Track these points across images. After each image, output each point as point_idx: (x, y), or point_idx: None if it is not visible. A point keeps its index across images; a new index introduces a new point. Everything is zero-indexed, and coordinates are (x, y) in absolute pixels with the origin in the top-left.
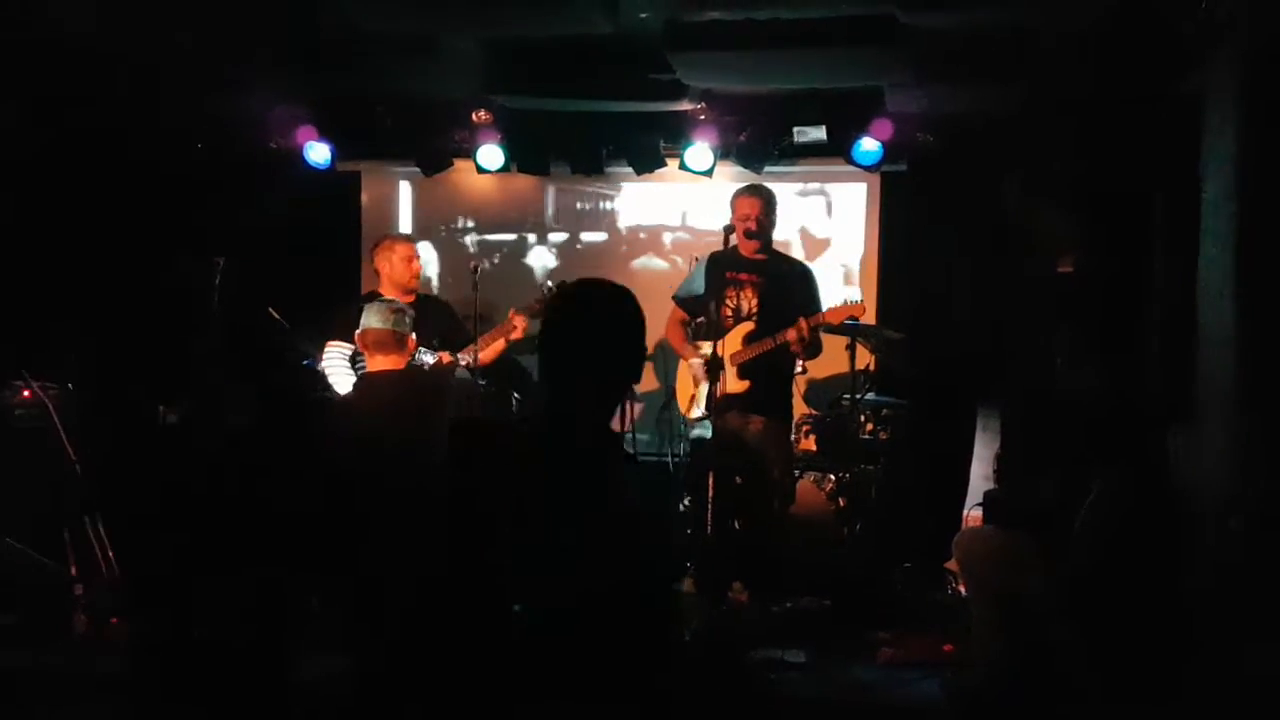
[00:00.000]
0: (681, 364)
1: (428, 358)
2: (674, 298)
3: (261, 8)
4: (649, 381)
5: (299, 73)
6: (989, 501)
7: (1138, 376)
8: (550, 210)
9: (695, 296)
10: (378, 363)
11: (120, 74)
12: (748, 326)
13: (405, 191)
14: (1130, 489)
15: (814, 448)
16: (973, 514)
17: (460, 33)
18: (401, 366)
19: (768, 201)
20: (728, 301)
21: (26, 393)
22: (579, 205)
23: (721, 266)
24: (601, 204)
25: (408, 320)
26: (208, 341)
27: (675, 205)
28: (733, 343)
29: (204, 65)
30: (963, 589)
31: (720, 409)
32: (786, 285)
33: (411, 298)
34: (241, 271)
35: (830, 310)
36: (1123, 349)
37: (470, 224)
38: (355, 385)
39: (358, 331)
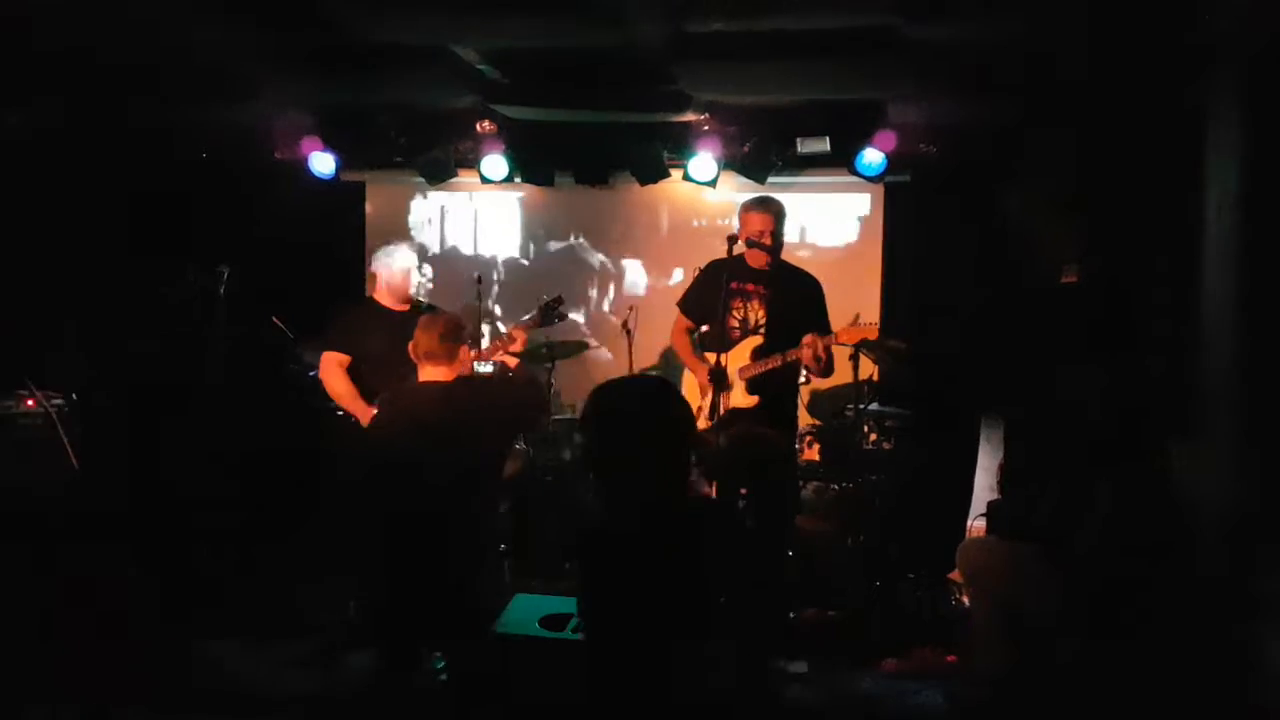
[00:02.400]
0: (687, 374)
1: (485, 368)
2: (678, 305)
3: (267, 18)
4: None
5: (304, 83)
6: (992, 512)
7: (1141, 387)
8: (556, 218)
9: (700, 305)
10: (426, 373)
11: (125, 83)
12: (756, 340)
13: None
14: (1133, 499)
15: (818, 458)
16: (976, 524)
17: (465, 44)
18: (450, 379)
19: (778, 216)
20: (734, 313)
21: (30, 402)
22: (582, 213)
23: (727, 276)
24: (606, 210)
25: (463, 333)
26: (212, 351)
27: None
28: (740, 356)
29: (209, 75)
30: (966, 600)
31: (726, 421)
32: (795, 299)
33: (406, 306)
34: (246, 281)
35: (843, 330)
36: (1126, 359)
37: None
38: (398, 394)
39: (410, 342)
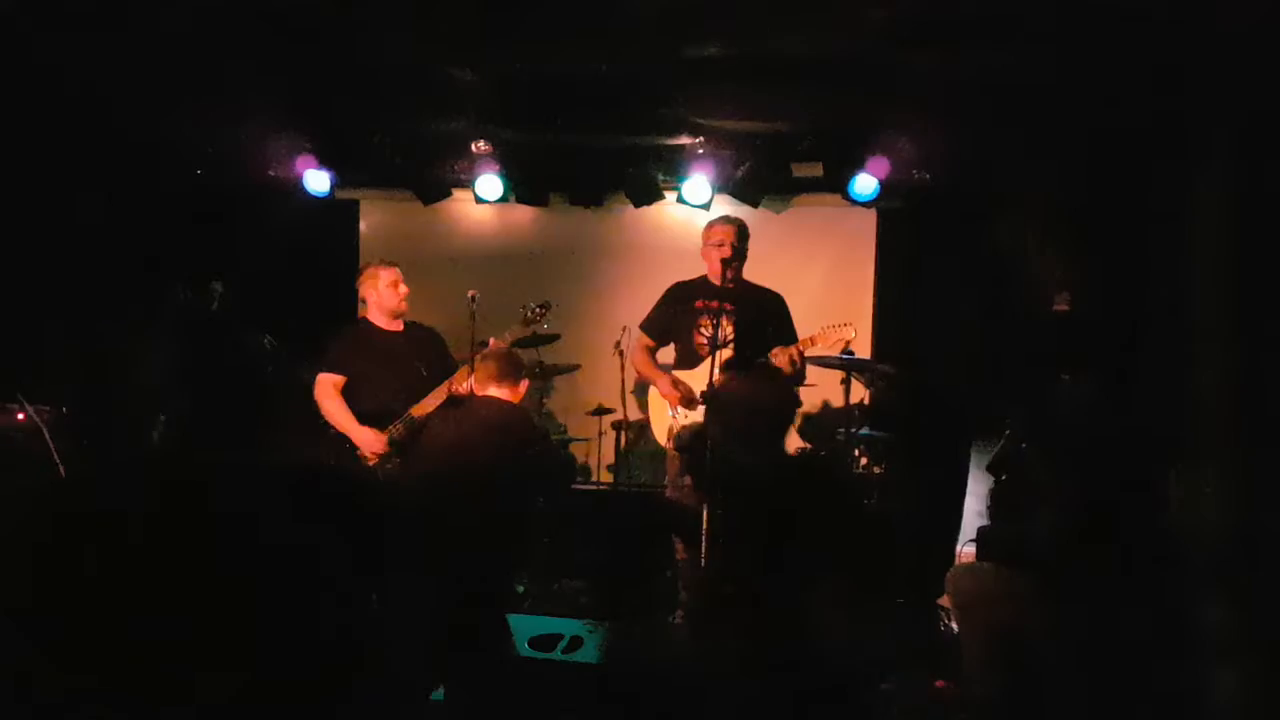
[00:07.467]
0: (653, 392)
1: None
2: (641, 326)
3: (264, 36)
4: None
5: (300, 101)
6: (983, 537)
7: (1135, 412)
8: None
9: (661, 325)
10: (491, 392)
11: (120, 100)
12: (725, 354)
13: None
14: (1128, 525)
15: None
16: (967, 550)
17: (462, 64)
18: (516, 400)
19: (741, 230)
20: (702, 330)
21: (21, 416)
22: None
23: (692, 295)
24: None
25: (522, 368)
26: (204, 366)
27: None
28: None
29: (205, 92)
30: (956, 626)
31: (695, 439)
32: (760, 313)
33: (400, 324)
34: (239, 299)
35: (820, 332)
36: (1120, 384)
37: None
38: (464, 404)
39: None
